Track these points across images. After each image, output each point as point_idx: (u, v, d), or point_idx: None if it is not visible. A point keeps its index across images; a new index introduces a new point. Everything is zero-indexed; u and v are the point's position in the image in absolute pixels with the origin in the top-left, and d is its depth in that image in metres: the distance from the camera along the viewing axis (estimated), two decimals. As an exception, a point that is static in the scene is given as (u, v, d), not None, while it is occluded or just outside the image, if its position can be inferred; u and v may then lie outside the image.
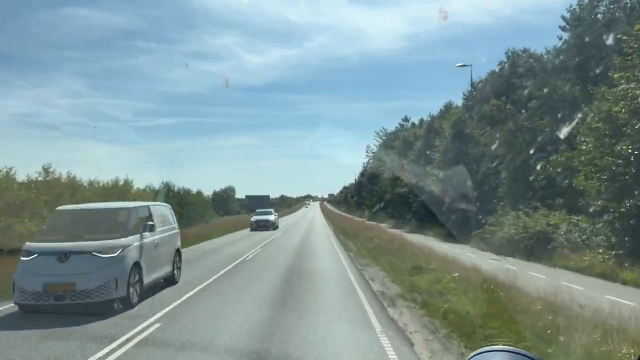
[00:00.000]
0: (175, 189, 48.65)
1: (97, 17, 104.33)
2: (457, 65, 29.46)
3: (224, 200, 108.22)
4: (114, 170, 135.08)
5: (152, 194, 42.31)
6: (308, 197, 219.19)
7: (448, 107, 50.63)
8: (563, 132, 20.52)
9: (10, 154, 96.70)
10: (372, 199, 71.36)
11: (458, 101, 47.91)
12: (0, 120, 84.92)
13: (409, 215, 41.75)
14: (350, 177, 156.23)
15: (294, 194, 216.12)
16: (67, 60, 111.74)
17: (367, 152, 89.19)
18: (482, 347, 1.52)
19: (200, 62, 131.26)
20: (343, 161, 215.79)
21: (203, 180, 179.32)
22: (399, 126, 76.23)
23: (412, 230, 37.51)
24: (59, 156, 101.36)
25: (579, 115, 19.70)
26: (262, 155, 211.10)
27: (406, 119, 75.07)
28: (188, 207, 48.50)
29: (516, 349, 1.48)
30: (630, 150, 14.49)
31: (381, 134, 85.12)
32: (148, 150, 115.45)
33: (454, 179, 30.67)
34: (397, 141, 59.34)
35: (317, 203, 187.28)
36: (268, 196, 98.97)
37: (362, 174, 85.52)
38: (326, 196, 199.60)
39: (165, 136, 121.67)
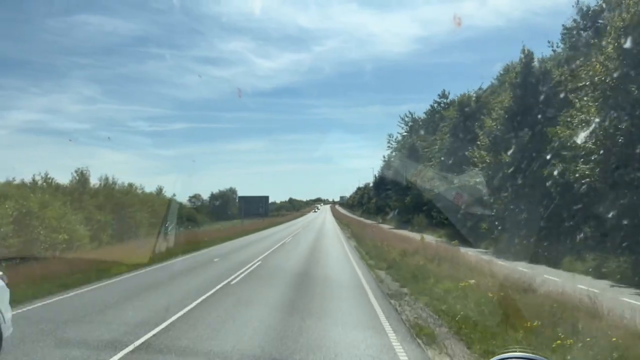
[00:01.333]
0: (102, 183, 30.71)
1: (109, 24, 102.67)
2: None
3: (220, 205, 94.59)
4: (126, 176, 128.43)
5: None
6: (318, 201, 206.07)
7: (509, 69, 32.76)
8: None
9: (23, 161, 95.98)
10: (402, 200, 53.36)
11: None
12: (14, 126, 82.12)
13: (486, 224, 23.37)
14: (362, 180, 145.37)
15: (304, 197, 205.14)
16: (79, 67, 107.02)
17: (389, 142, 71.69)
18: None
19: (211, 67, 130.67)
20: (354, 165, 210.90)
21: (214, 185, 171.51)
22: (434, 104, 58.23)
23: (512, 257, 19.23)
24: (70, 162, 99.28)
25: None
26: (273, 160, 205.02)
27: (444, 95, 56.98)
28: (125, 210, 30.76)
29: (536, 355, 1.69)
30: None
31: (407, 119, 67.47)
32: (160, 156, 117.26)
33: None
34: (451, 109, 40.43)
35: (328, 207, 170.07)
36: (266, 197, 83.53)
37: (387, 167, 67.80)
38: (337, 199, 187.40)
39: (177, 142, 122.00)
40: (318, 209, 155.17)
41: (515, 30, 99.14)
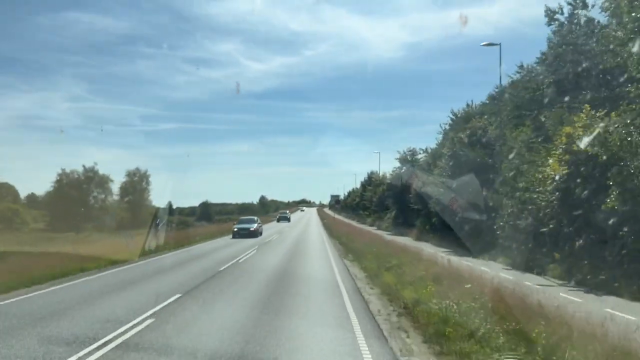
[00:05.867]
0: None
1: (101, 22, 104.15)
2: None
3: (131, 205, 61.22)
4: (115, 174, 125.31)
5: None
6: (302, 203, 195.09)
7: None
8: None
9: (13, 158, 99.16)
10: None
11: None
12: (3, 123, 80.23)
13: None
14: (352, 183, 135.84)
15: (291, 199, 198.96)
16: (70, 65, 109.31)
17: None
18: None
19: (202, 68, 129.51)
20: (344, 168, 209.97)
21: (203, 186, 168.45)
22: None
23: None
24: (60, 160, 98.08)
25: None
26: (262, 162, 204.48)
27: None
28: None
29: None
30: None
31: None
32: (151, 155, 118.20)
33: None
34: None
35: (314, 210, 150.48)
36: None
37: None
38: (326, 202, 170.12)
39: (166, 142, 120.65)
40: (287, 215, 78.89)
41: (504, 40, 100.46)
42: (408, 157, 48.73)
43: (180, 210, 78.87)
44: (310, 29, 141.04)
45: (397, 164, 51.17)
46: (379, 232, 41.83)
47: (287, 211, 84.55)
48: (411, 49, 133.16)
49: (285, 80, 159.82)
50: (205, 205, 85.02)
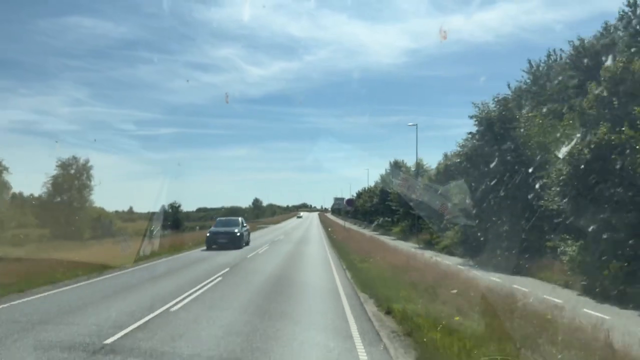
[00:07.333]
0: None
1: (101, 27, 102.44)
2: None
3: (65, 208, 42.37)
4: (113, 179, 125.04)
5: None
6: (303, 207, 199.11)
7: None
8: None
9: (11, 162, 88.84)
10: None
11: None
12: (2, 127, 78.30)
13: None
14: (358, 184, 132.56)
15: (290, 204, 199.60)
16: (69, 69, 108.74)
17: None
18: None
19: (201, 73, 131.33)
20: (343, 174, 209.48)
21: (202, 192, 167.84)
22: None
23: None
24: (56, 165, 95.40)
25: None
26: (261, 167, 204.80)
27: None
28: None
29: None
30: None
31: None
32: (148, 160, 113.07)
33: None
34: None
35: (316, 214, 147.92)
36: None
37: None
38: (327, 206, 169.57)
39: (166, 146, 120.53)
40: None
41: (504, 46, 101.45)
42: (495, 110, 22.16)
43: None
44: (310, 35, 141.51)
45: (472, 128, 23.62)
46: (434, 256, 21.26)
47: (239, 219, 35.96)
48: (411, 54, 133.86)
49: (285, 86, 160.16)
50: (175, 210, 59.40)
